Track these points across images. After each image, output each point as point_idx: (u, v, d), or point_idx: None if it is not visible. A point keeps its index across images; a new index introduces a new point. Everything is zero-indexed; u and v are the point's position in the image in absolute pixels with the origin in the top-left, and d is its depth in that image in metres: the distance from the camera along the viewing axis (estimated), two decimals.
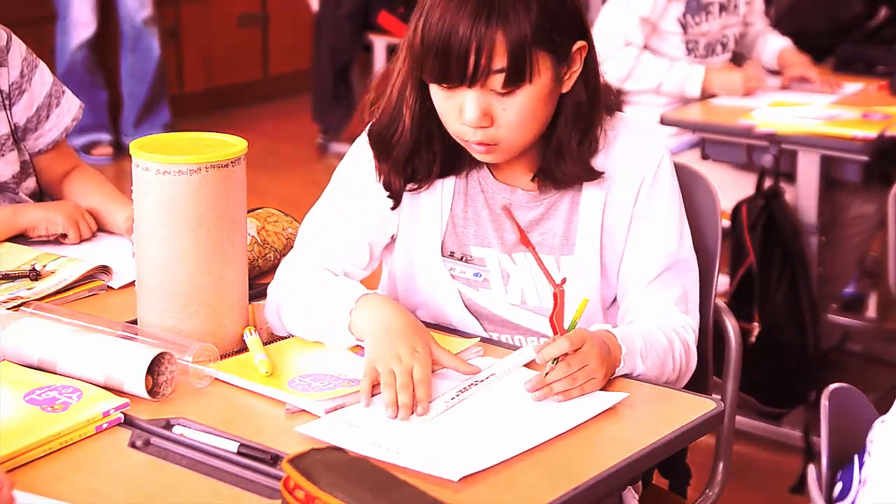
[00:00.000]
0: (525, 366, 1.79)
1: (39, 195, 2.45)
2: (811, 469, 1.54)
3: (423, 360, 1.70)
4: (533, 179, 1.92)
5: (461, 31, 1.76)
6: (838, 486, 1.52)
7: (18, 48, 2.37)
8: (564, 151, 1.88)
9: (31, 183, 2.42)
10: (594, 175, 1.90)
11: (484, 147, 1.84)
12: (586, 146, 1.89)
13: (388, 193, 1.93)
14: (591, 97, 1.88)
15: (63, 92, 2.45)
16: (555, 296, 1.73)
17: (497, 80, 1.78)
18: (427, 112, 1.87)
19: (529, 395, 1.70)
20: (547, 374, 1.69)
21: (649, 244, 1.92)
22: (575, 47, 1.83)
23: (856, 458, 1.52)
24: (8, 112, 2.36)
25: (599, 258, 1.92)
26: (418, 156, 1.91)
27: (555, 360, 1.69)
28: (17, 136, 2.39)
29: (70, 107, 2.45)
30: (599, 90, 1.89)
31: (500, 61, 1.76)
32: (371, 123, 1.93)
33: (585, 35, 1.85)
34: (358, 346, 1.81)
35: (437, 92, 1.83)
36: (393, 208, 1.95)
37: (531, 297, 1.94)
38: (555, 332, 1.72)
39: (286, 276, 1.92)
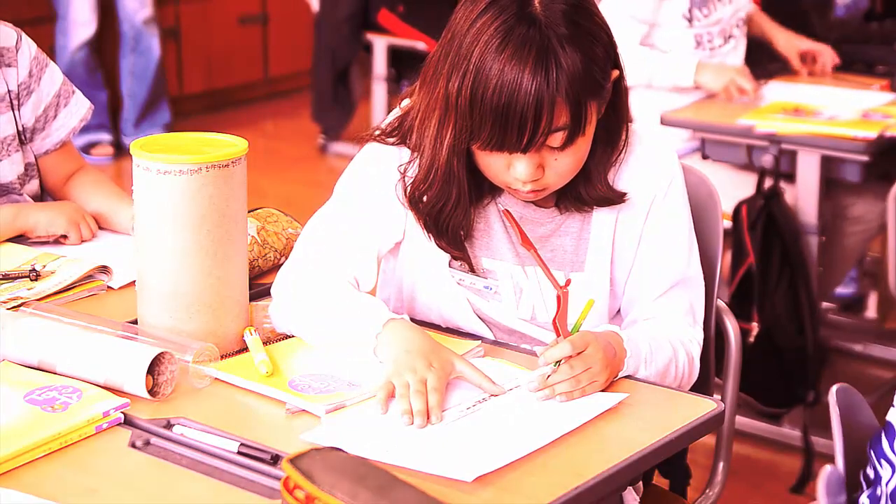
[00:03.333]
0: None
1: (41, 198, 2.45)
2: (825, 470, 1.52)
3: (437, 373, 1.68)
4: (557, 204, 1.90)
5: (521, 97, 1.69)
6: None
7: (28, 48, 2.37)
8: (593, 175, 1.86)
9: (34, 185, 2.42)
10: (620, 198, 1.88)
11: (533, 194, 1.82)
12: (610, 166, 1.88)
13: (452, 257, 1.91)
14: (619, 119, 1.85)
15: (73, 92, 2.45)
16: (558, 298, 1.71)
17: (555, 139, 1.74)
18: (473, 171, 1.84)
19: (531, 396, 1.70)
20: (549, 376, 1.69)
21: (659, 261, 1.92)
22: (612, 78, 1.80)
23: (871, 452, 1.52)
24: (16, 112, 2.36)
25: (609, 275, 1.92)
26: (467, 214, 1.88)
27: (557, 361, 1.69)
28: (25, 136, 2.39)
29: (78, 108, 2.45)
30: (627, 111, 1.87)
31: (562, 121, 1.73)
32: (412, 189, 1.86)
33: (617, 61, 1.81)
34: None
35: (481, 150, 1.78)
36: (473, 270, 1.92)
37: (541, 313, 1.94)
38: (557, 335, 1.72)
39: (301, 283, 1.87)
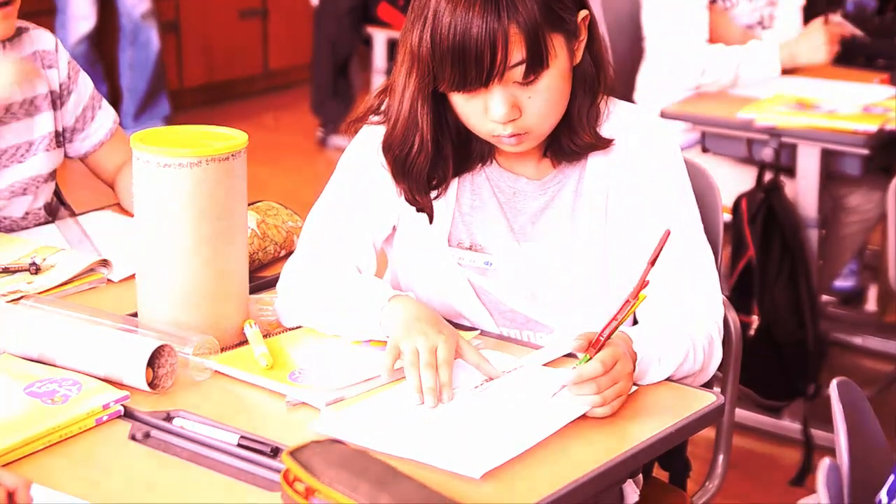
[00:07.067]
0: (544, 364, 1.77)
1: (53, 204, 2.49)
2: (824, 463, 1.52)
3: (448, 342, 1.69)
4: (545, 154, 1.91)
5: (475, 32, 1.73)
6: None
7: (64, 52, 2.47)
8: (575, 123, 1.87)
9: (51, 187, 2.46)
10: (604, 143, 1.89)
11: (515, 138, 1.83)
12: (593, 115, 1.89)
13: (415, 209, 1.92)
14: (597, 65, 1.88)
15: (102, 98, 2.54)
16: (625, 303, 1.66)
17: (517, 72, 1.76)
18: (440, 122, 1.86)
19: (530, 390, 1.69)
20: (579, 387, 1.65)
21: (661, 228, 1.89)
22: (580, 18, 1.82)
23: None
24: (57, 112, 2.44)
25: (603, 246, 1.91)
26: (436, 166, 1.90)
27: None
28: (64, 136, 2.46)
29: (109, 111, 2.54)
30: (603, 56, 1.89)
31: (519, 53, 1.75)
32: (383, 139, 1.90)
33: (585, 2, 1.85)
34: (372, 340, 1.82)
35: (456, 97, 1.81)
36: (431, 222, 1.93)
37: (540, 289, 1.94)
38: (595, 344, 1.66)
39: (304, 273, 1.90)
